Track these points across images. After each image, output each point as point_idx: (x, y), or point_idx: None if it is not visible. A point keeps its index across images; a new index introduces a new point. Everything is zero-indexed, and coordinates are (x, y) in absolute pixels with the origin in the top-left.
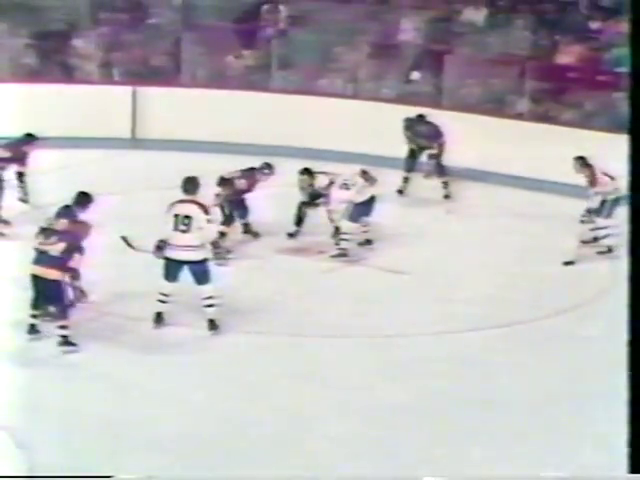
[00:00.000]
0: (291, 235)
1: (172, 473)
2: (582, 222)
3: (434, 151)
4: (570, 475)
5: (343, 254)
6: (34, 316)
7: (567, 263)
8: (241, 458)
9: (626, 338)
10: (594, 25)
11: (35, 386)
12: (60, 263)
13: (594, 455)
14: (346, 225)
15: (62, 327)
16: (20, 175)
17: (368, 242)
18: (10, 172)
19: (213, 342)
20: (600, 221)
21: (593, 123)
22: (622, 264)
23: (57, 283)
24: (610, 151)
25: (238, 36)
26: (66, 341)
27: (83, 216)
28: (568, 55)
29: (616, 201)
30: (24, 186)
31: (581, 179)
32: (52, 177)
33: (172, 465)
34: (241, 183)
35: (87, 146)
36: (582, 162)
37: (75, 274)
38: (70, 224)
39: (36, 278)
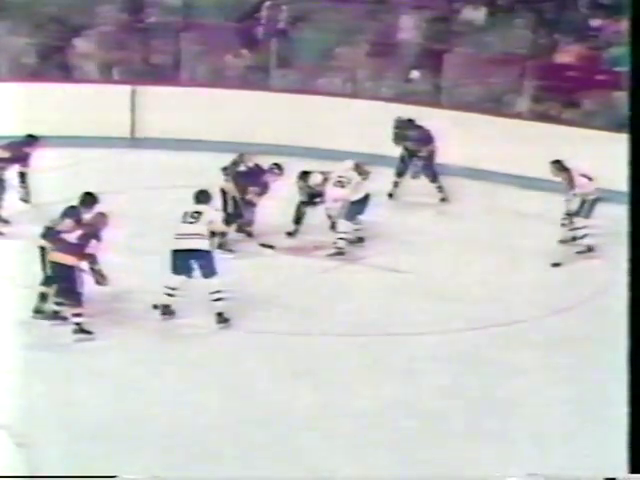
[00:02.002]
0: (290, 234)
1: (174, 473)
2: (562, 225)
3: (424, 154)
4: (570, 475)
5: (340, 253)
6: (56, 303)
7: (555, 265)
8: (239, 457)
9: (626, 338)
10: (594, 23)
11: (35, 381)
12: (76, 250)
13: (594, 455)
14: (343, 224)
15: (76, 315)
16: (22, 175)
17: (360, 240)
18: (12, 172)
19: (211, 341)
20: (579, 221)
21: (593, 122)
22: (616, 263)
23: (72, 269)
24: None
25: (237, 35)
26: (81, 329)
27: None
28: (567, 54)
29: (595, 201)
30: (26, 186)
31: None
32: (52, 176)
33: (169, 464)
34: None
35: (87, 145)
36: (559, 166)
37: (93, 260)
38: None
39: (54, 264)
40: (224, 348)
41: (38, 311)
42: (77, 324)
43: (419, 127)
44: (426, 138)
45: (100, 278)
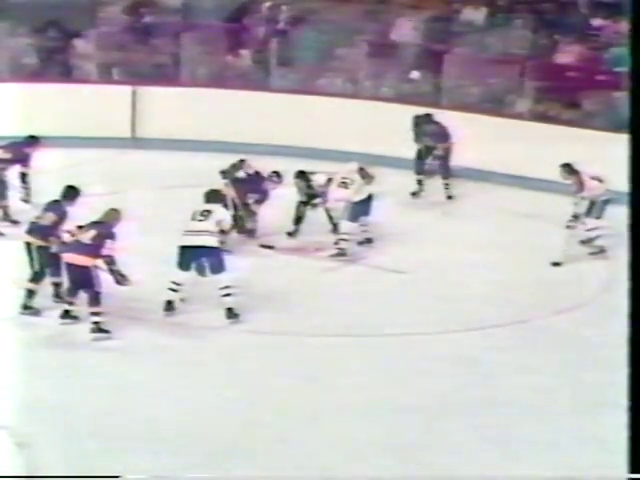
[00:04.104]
0: (290, 234)
1: (175, 473)
2: (568, 227)
3: (439, 152)
4: (570, 475)
5: (342, 253)
6: (70, 303)
7: (555, 264)
8: (239, 457)
9: (626, 338)
10: (595, 22)
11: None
12: (91, 250)
13: (594, 455)
14: (346, 225)
15: (94, 314)
16: (23, 176)
17: (368, 241)
18: (13, 172)
19: (211, 341)
20: (590, 222)
21: (593, 122)
22: (616, 264)
23: (88, 269)
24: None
25: (237, 35)
26: (99, 328)
27: (71, 210)
28: (568, 54)
29: (606, 202)
30: (27, 187)
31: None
32: (52, 177)
33: (171, 464)
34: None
35: (87, 146)
36: (569, 169)
37: (109, 260)
38: (103, 213)
39: (68, 266)
40: (224, 348)
41: (26, 307)
42: (95, 323)
43: (436, 123)
44: (443, 134)
45: (120, 278)
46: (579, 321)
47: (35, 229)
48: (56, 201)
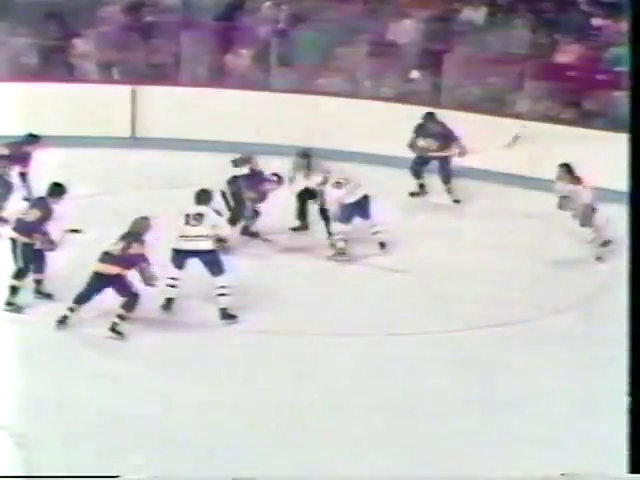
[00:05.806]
0: (295, 229)
1: (174, 473)
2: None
3: (445, 153)
4: (570, 475)
5: (342, 253)
6: (71, 309)
7: (554, 263)
8: (238, 457)
9: (626, 337)
10: (595, 22)
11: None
12: (123, 261)
13: (594, 455)
14: (337, 226)
15: (121, 317)
16: (23, 175)
17: (382, 246)
18: (13, 171)
19: (212, 341)
20: (586, 231)
21: (593, 122)
22: (616, 263)
23: (121, 277)
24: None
25: (237, 35)
26: (115, 329)
27: (56, 207)
28: (567, 54)
29: (593, 209)
30: (27, 186)
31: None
32: (51, 176)
33: (170, 464)
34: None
35: (87, 145)
36: (566, 169)
37: (142, 268)
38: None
39: (97, 275)
40: (223, 347)
41: (9, 304)
42: (115, 324)
43: (440, 123)
44: (447, 136)
45: (148, 279)
46: (579, 321)
47: (20, 226)
48: (41, 198)
